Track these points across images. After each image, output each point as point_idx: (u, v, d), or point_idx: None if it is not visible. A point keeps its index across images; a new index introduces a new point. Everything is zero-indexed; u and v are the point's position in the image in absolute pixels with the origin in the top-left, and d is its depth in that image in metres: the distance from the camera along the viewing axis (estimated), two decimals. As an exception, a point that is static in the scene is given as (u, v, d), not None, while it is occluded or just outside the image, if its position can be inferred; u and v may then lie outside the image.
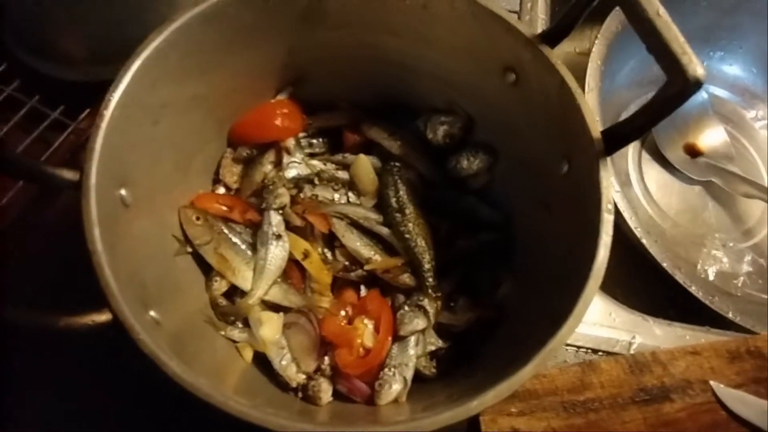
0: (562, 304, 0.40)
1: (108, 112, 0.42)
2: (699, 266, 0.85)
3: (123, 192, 0.44)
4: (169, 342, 0.38)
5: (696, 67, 0.36)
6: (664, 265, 0.70)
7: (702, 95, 0.92)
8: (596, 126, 0.45)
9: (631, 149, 0.92)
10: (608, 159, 0.44)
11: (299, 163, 0.62)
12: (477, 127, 0.63)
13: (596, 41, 0.80)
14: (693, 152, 0.91)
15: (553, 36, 0.48)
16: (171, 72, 0.49)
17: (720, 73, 0.97)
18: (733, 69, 0.98)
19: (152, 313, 0.41)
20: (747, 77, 0.98)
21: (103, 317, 0.35)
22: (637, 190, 0.90)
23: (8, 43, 0.75)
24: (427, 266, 0.56)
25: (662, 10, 0.37)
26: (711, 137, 0.91)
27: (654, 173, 0.90)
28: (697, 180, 0.88)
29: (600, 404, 0.55)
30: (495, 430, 0.53)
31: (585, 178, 0.45)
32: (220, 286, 0.56)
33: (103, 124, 0.42)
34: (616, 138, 0.44)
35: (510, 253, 0.60)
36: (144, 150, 0.49)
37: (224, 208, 0.59)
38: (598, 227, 0.41)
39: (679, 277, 0.70)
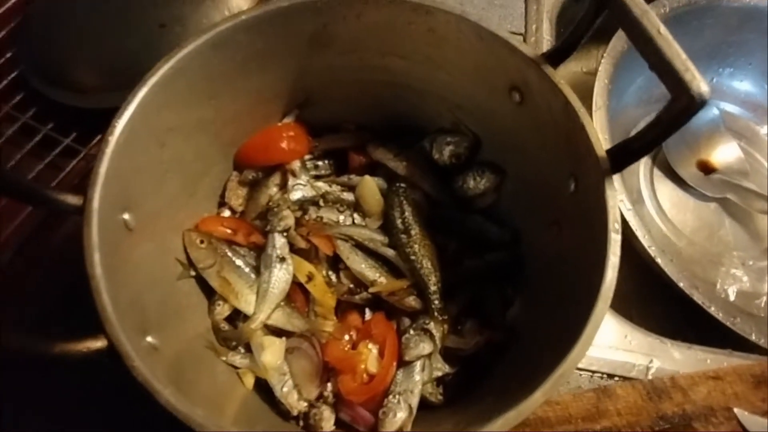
0: (572, 327, 0.38)
1: (113, 138, 0.43)
2: (718, 286, 0.82)
3: (126, 216, 0.44)
4: (166, 368, 0.38)
5: (699, 83, 0.35)
6: (681, 285, 0.67)
7: (713, 111, 0.91)
8: (601, 145, 0.44)
9: (643, 166, 0.91)
10: (615, 178, 0.43)
11: (304, 185, 0.62)
12: (483, 147, 0.63)
13: (602, 60, 0.80)
14: (706, 169, 0.89)
15: (557, 56, 0.48)
16: (178, 97, 0.50)
17: (730, 89, 0.96)
18: (743, 85, 0.97)
19: (150, 338, 0.40)
20: (758, 93, 0.96)
21: (99, 344, 0.35)
22: (650, 208, 0.88)
23: (26, 73, 0.78)
24: (433, 288, 0.54)
25: (663, 29, 0.37)
26: (724, 153, 0.89)
27: (667, 190, 0.89)
28: (712, 197, 0.86)
29: (617, 433, 0.53)
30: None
31: (592, 197, 0.44)
32: (222, 310, 0.55)
33: (108, 150, 0.42)
34: (622, 156, 0.43)
35: (519, 273, 0.59)
36: (149, 173, 0.49)
37: (229, 231, 0.58)
38: (606, 247, 0.40)
39: (698, 298, 0.67)
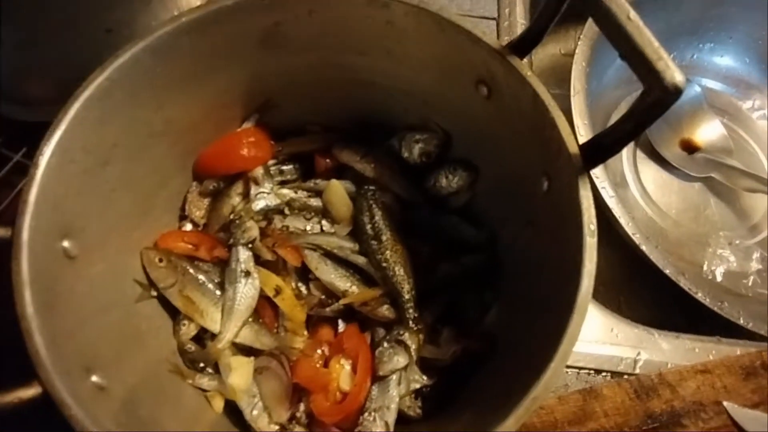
0: (548, 341, 0.36)
1: (43, 160, 0.39)
2: (705, 267, 0.82)
3: (66, 244, 0.41)
4: (116, 409, 0.35)
5: (673, 73, 0.32)
6: (667, 271, 0.66)
7: (695, 89, 0.89)
8: (573, 140, 0.41)
9: (625, 148, 0.88)
10: (588, 175, 0.40)
11: (268, 194, 0.59)
12: (455, 143, 0.60)
13: (579, 42, 0.77)
14: (690, 148, 0.88)
15: (523, 45, 0.45)
16: (119, 110, 0.46)
17: (711, 65, 0.94)
18: (724, 60, 0.95)
19: (95, 378, 0.37)
20: (740, 67, 0.94)
21: (32, 392, 0.32)
22: (634, 191, 0.87)
23: (-29, 89, 0.73)
24: (406, 296, 0.52)
25: (633, 14, 0.34)
26: (707, 131, 0.88)
27: (651, 172, 0.87)
28: (697, 177, 0.85)
29: (604, 436, 0.51)
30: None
31: (566, 197, 0.41)
32: (188, 329, 0.53)
33: (38, 175, 0.39)
34: (597, 151, 0.40)
35: (497, 277, 0.57)
36: (93, 194, 0.46)
37: (190, 246, 0.56)
38: (581, 253, 0.37)
39: (684, 284, 0.66)
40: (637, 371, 0.60)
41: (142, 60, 0.46)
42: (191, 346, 0.53)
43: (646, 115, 0.35)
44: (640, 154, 0.89)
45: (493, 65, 0.46)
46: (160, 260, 0.52)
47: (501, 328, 0.52)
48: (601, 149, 0.40)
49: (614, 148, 0.39)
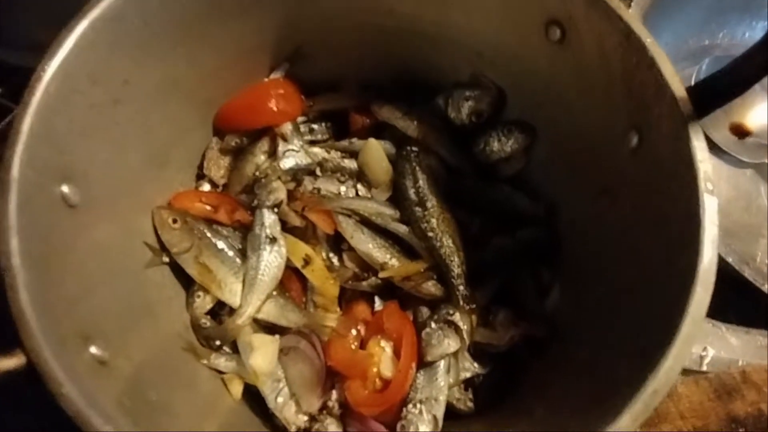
0: (649, 324, 0.30)
1: (41, 85, 0.33)
2: (758, 260, 0.76)
3: (65, 189, 0.35)
4: (119, 391, 0.29)
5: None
6: (729, 259, 0.61)
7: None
8: (678, 82, 0.35)
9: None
10: (698, 123, 0.34)
11: (297, 151, 0.53)
12: (510, 102, 0.54)
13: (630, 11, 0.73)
14: (741, 132, 0.83)
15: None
16: (132, 39, 0.41)
17: (765, 44, 0.89)
18: (778, 39, 0.89)
19: (94, 349, 0.31)
20: (796, 48, 0.88)
21: (14, 362, 0.25)
22: (680, 177, 0.81)
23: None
24: (457, 271, 0.47)
25: None
26: (759, 115, 0.82)
27: (699, 156, 0.81)
28: (748, 162, 0.79)
29: (682, 440, 0.45)
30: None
31: (666, 152, 0.35)
32: (203, 302, 0.48)
33: (34, 101, 0.33)
34: (709, 95, 0.34)
35: (557, 253, 0.50)
36: (101, 137, 0.40)
37: (208, 207, 0.51)
38: (698, 215, 0.31)
39: (749, 274, 0.62)
40: (704, 368, 0.54)
41: (165, -18, 0.39)
42: (206, 322, 0.48)
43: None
44: (687, 137, 0.84)
45: (572, 1, 0.40)
46: (175, 221, 0.47)
47: (567, 312, 0.46)
48: (715, 92, 0.34)
49: (736, 90, 0.33)
